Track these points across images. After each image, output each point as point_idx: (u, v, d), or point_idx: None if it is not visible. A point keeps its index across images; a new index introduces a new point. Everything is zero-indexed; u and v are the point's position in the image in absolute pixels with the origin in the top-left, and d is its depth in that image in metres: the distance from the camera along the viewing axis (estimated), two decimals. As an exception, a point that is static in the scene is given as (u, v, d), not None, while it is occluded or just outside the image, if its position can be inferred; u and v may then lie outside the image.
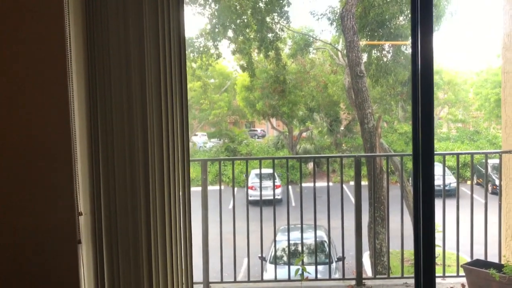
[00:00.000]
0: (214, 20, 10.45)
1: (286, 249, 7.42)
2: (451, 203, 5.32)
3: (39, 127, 1.90)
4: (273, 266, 7.02)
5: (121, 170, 1.97)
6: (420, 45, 2.28)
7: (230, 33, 10.87)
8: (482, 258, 4.87)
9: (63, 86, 1.89)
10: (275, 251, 6.33)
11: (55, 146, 1.90)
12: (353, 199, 5.27)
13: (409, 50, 10.68)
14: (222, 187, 5.49)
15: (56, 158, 1.90)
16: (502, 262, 4.69)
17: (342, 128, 19.39)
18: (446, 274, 5.09)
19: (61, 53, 1.90)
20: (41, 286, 1.90)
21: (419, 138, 2.38)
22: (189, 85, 18.06)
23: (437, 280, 4.49)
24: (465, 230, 5.02)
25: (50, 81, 1.91)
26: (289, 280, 5.04)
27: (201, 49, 11.59)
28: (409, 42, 10.65)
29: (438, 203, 4.61)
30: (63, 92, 1.89)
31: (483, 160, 10.88)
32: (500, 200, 4.95)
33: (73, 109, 1.90)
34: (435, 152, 2.46)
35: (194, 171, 13.77)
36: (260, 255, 5.39)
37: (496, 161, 7.50)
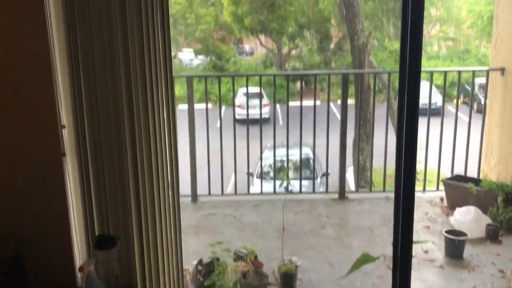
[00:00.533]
0: None
1: (273, 165, 7.59)
2: (436, 122, 5.41)
3: (14, 37, 1.83)
4: (259, 180, 7.21)
5: (102, 83, 1.93)
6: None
7: None
8: (462, 174, 5.04)
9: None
10: (262, 168, 6.48)
11: (33, 57, 1.84)
12: (340, 118, 5.31)
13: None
14: (209, 105, 5.48)
15: (35, 70, 1.84)
16: (481, 177, 4.87)
17: (332, 45, 19.05)
18: (427, 189, 5.29)
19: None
20: (28, 199, 1.93)
21: (407, 55, 2.33)
22: (174, -2, 17.20)
23: (417, 194, 4.66)
24: (448, 148, 5.15)
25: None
26: (274, 193, 5.21)
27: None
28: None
29: (423, 121, 4.67)
30: (40, 10, 1.79)
31: (471, 79, 10.90)
32: (483, 116, 5.03)
33: (50, 20, 1.82)
34: (422, 70, 2.44)
35: (181, 89, 13.62)
36: (247, 171, 5.52)
37: (483, 80, 7.52)
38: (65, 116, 1.92)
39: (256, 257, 3.70)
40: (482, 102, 7.54)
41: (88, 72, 1.93)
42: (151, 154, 2.02)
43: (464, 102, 12.68)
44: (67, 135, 1.94)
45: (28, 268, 1.90)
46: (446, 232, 4.03)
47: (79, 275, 1.96)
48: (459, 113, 5.14)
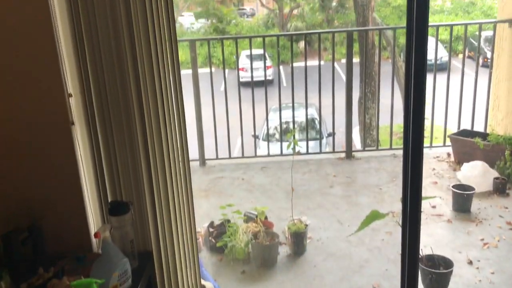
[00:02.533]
0: None
1: (278, 127, 7.59)
2: (442, 77, 5.35)
3: (17, 11, 1.80)
4: (266, 143, 7.22)
5: (106, 50, 1.90)
6: None
7: None
8: (469, 129, 5.03)
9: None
10: (268, 130, 6.48)
11: (35, 27, 1.81)
12: (344, 78, 5.25)
13: None
14: (213, 69, 5.44)
15: (38, 39, 1.82)
16: (487, 131, 4.85)
17: (334, 3, 18.65)
18: (433, 145, 5.30)
19: None
20: (39, 170, 1.95)
21: (414, 10, 2.28)
22: (171, -40, 16.88)
23: (424, 150, 4.65)
24: (455, 103, 5.11)
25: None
26: (281, 154, 5.22)
27: None
28: None
29: (429, 77, 4.61)
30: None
31: (476, 33, 10.70)
32: (490, 70, 4.96)
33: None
34: (428, 25, 2.39)
35: (183, 54, 13.49)
36: (253, 133, 5.52)
37: (489, 33, 7.37)
38: (71, 85, 1.91)
39: (266, 217, 3.75)
40: (488, 56, 7.44)
41: (91, 39, 1.90)
42: (159, 119, 2.02)
43: (469, 56, 12.49)
44: (75, 104, 1.94)
45: (45, 237, 1.93)
46: (454, 186, 4.06)
47: (95, 241, 2.01)
48: (465, 68, 5.08)
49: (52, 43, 1.82)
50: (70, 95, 1.90)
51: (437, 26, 5.20)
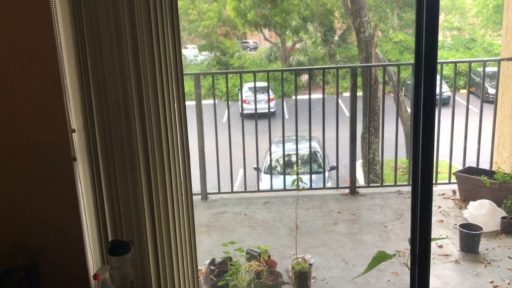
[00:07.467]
0: None
1: (281, 160, 7.54)
2: (445, 112, 5.34)
3: (23, 45, 1.78)
4: (267, 176, 7.15)
5: (112, 85, 1.88)
6: None
7: None
8: (474, 165, 4.96)
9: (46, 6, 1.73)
10: (270, 162, 6.42)
11: (40, 61, 1.79)
12: (346, 111, 5.22)
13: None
14: (216, 101, 5.44)
15: (43, 74, 1.80)
16: (493, 169, 4.79)
17: (336, 38, 18.93)
18: (438, 182, 5.23)
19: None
20: (39, 206, 1.89)
21: (422, 47, 2.26)
22: (176, -6, 17.28)
23: (429, 188, 4.59)
24: (459, 139, 5.07)
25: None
26: (284, 189, 5.16)
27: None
28: None
29: (433, 113, 4.57)
30: (47, 10, 1.74)
31: (477, 69, 10.81)
32: (495, 108, 4.94)
33: (57, 22, 1.76)
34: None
35: (187, 85, 13.61)
36: (255, 166, 5.47)
37: (490, 69, 7.40)
38: (75, 120, 1.87)
39: (269, 256, 3.65)
40: (489, 91, 7.47)
41: (97, 74, 1.88)
42: (163, 155, 1.97)
43: (470, 92, 12.56)
44: (78, 140, 1.89)
45: (42, 277, 1.86)
46: (461, 226, 3.97)
47: (93, 282, 1.92)
48: (467, 104, 5.06)
49: (57, 80, 1.79)
50: (73, 131, 1.86)
51: (442, 63, 5.21)
